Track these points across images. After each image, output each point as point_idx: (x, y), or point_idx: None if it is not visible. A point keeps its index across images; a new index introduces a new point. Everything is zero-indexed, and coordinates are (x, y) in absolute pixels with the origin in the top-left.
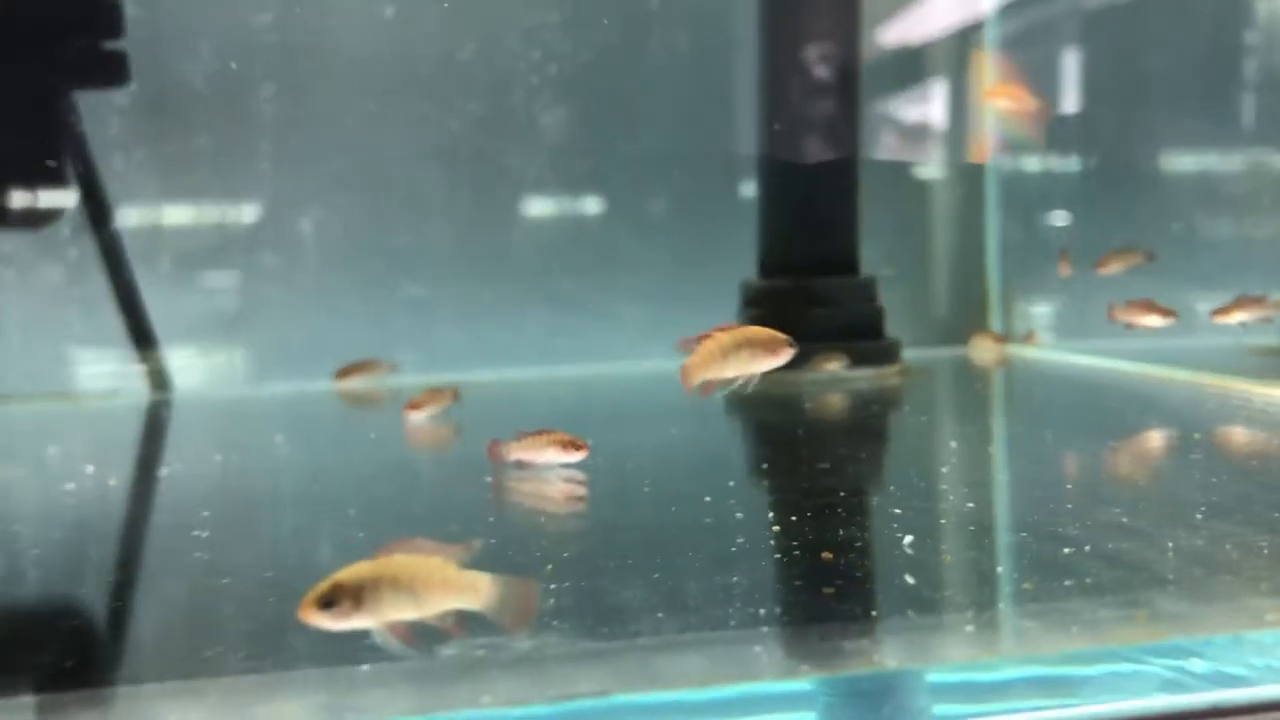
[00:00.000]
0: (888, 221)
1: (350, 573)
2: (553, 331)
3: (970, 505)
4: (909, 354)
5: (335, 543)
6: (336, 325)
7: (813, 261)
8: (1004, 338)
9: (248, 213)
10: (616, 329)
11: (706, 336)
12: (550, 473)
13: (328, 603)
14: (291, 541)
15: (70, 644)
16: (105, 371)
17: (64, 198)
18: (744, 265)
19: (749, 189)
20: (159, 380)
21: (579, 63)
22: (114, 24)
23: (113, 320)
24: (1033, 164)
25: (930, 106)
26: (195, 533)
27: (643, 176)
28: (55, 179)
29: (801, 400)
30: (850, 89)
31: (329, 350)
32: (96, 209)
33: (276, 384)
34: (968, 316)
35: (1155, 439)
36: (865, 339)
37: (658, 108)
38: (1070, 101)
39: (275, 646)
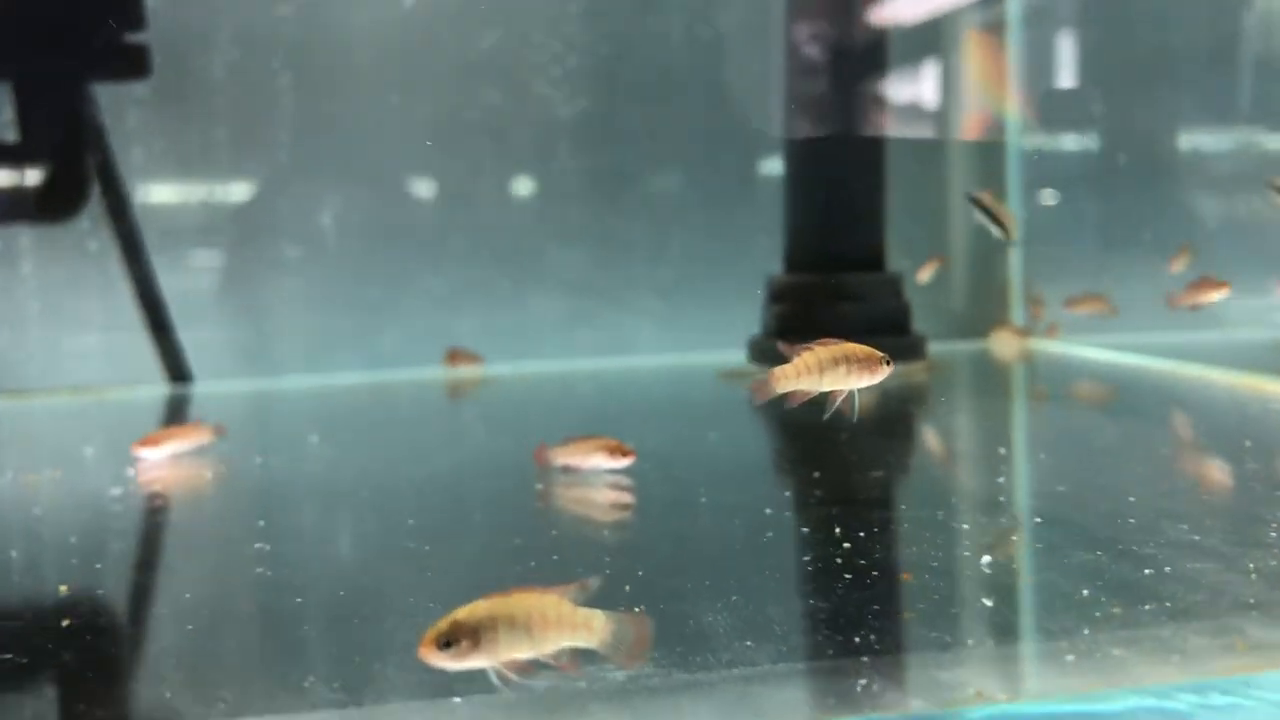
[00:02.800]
0: (905, 210)
1: (468, 612)
2: (572, 324)
3: (1038, 519)
4: (929, 348)
5: (401, 554)
6: (356, 316)
7: (839, 256)
8: (1027, 331)
9: (266, 204)
10: (637, 323)
11: (807, 348)
12: (596, 478)
13: (447, 643)
14: (359, 552)
15: (147, 668)
16: (124, 364)
17: (84, 189)
18: (768, 260)
19: (774, 183)
20: (178, 372)
21: (599, 53)
22: (136, 16)
23: (131, 313)
24: (1054, 149)
25: (948, 88)
26: (257, 545)
27: (666, 169)
28: (76, 171)
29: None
30: (877, 64)
31: (347, 342)
32: (115, 201)
33: (295, 377)
34: (987, 309)
35: (1208, 448)
36: (892, 335)
37: (681, 100)
38: (1093, 85)
39: (366, 679)
